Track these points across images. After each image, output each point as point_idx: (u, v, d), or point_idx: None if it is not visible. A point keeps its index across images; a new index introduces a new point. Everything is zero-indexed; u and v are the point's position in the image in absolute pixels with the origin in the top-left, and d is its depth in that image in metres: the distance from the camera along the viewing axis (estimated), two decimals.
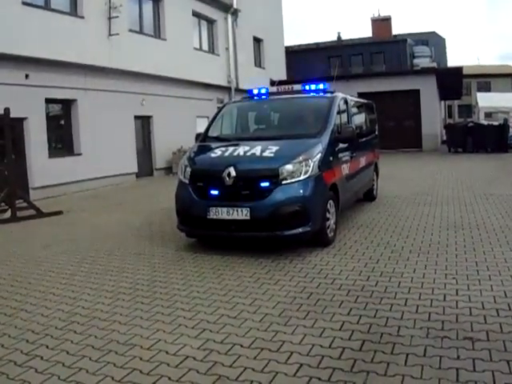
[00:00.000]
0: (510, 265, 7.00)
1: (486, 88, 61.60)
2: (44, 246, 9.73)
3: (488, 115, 36.00)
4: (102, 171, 19.61)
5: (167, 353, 4.70)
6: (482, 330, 4.83)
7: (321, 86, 10.47)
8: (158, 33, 23.70)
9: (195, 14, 26.66)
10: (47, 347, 4.94)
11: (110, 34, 19.65)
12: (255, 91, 10.88)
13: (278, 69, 35.95)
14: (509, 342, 4.56)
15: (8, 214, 12.74)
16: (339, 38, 59.84)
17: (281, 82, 14.85)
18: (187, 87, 25.24)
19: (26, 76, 16.26)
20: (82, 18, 18.48)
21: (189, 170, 8.70)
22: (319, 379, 4.09)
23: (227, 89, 29.56)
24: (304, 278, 6.88)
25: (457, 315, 5.25)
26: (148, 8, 23.30)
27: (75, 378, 4.30)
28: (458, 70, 34.87)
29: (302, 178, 8.01)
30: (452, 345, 4.56)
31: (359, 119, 12.15)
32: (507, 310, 5.34)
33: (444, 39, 66.66)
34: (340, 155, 9.48)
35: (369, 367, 4.24)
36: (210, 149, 9.14)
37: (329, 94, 10.34)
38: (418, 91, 32.96)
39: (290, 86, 10.93)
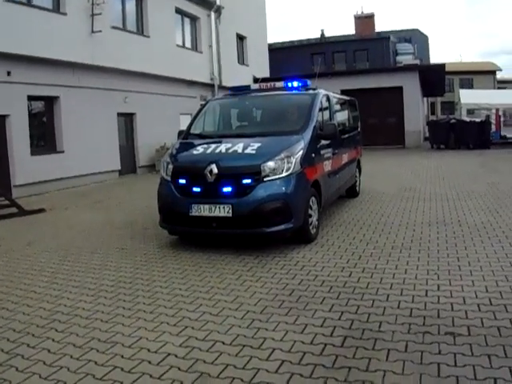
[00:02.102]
0: (491, 260, 7.06)
1: (468, 85, 62.14)
2: (26, 243, 9.67)
3: (470, 112, 36.21)
4: (84, 169, 19.52)
5: (149, 350, 4.70)
6: (463, 325, 4.87)
7: (303, 83, 10.48)
8: (141, 30, 23.59)
9: (178, 11, 26.56)
10: (28, 346, 4.92)
11: (92, 31, 19.50)
12: (237, 88, 10.90)
13: (261, 66, 35.99)
14: (490, 336, 4.60)
15: None
16: (322, 35, 59.83)
17: (264, 80, 14.83)
18: (170, 84, 25.15)
19: (8, 73, 16.12)
20: (65, 14, 18.33)
21: (171, 167, 8.68)
22: (301, 375, 4.10)
23: (211, 86, 29.49)
24: (286, 274, 6.89)
25: (438, 310, 5.28)
26: (131, 5, 23.18)
27: (56, 376, 4.28)
28: (440, 67, 35.09)
29: (283, 174, 8.02)
30: (433, 340, 4.59)
31: (342, 116, 12.18)
32: (488, 304, 5.38)
33: (427, 36, 66.87)
34: (322, 152, 9.49)
35: (350, 363, 4.26)
36: (192, 146, 9.12)
37: (311, 91, 10.34)
38: (400, 88, 33.09)
39: (272, 83, 10.90)
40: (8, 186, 15.95)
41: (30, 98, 17.48)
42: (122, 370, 4.34)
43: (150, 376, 4.21)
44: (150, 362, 4.46)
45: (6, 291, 6.75)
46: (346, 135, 12.01)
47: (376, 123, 32.55)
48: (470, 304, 5.43)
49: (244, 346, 4.70)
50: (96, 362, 4.50)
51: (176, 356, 4.56)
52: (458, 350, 4.38)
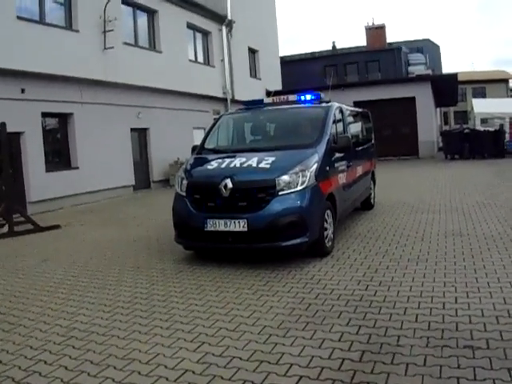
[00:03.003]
0: (508, 271, 6.99)
1: (481, 94, 61.93)
2: (42, 260, 9.70)
3: (484, 121, 36.07)
4: (99, 184, 19.63)
5: (166, 367, 4.68)
6: (482, 338, 4.81)
7: (315, 96, 10.48)
8: (153, 45, 23.78)
9: (190, 26, 26.73)
10: (45, 363, 4.92)
11: (105, 48, 19.70)
12: (250, 102, 10.92)
13: (273, 79, 36.07)
14: (509, 349, 4.55)
15: (5, 229, 12.72)
16: (334, 47, 59.92)
17: (276, 93, 14.87)
18: (183, 99, 25.30)
19: (22, 90, 16.28)
20: (77, 31, 18.53)
21: (185, 182, 8.69)
22: None
23: (223, 100, 29.61)
24: (302, 288, 6.87)
25: (456, 323, 5.23)
26: (143, 21, 23.39)
27: None
28: (452, 77, 35.05)
29: (298, 188, 8.00)
30: (452, 353, 4.54)
31: (355, 128, 12.16)
32: (507, 316, 5.33)
33: (438, 46, 66.88)
34: (336, 165, 9.48)
35: (369, 378, 4.22)
36: (207, 161, 9.13)
37: (324, 104, 10.34)
38: (413, 98, 33.07)
39: (285, 97, 10.91)
40: (23, 202, 16.06)
41: (44, 115, 17.66)
42: None
43: None
44: (167, 379, 4.44)
45: (23, 308, 6.77)
46: (360, 147, 11.99)
47: (389, 134, 32.51)
48: (489, 316, 5.37)
49: (261, 361, 4.68)
50: (113, 379, 4.49)
51: (193, 372, 4.54)
52: (478, 363, 4.32)
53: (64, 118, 18.74)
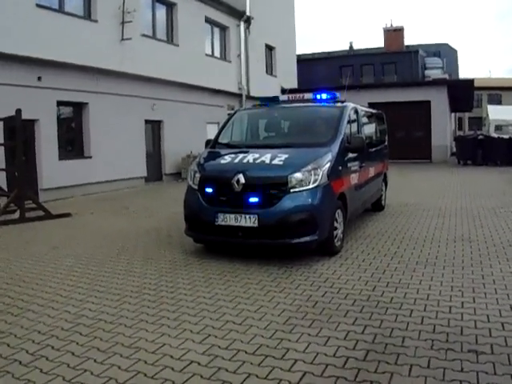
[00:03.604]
0: None
1: (496, 101, 61.62)
2: (52, 247, 9.77)
3: (498, 128, 35.99)
4: (111, 174, 19.73)
5: (172, 357, 4.72)
6: (486, 343, 4.83)
7: (331, 96, 10.49)
8: (170, 38, 23.81)
9: (208, 21, 26.75)
10: (53, 348, 4.97)
11: (122, 39, 19.74)
12: (266, 99, 10.93)
13: (289, 77, 36.04)
14: None
15: (17, 215, 12.79)
16: (351, 47, 59.87)
17: (292, 91, 14.91)
18: (198, 93, 25.34)
19: (39, 78, 16.35)
20: (96, 21, 18.60)
21: (198, 175, 8.72)
22: None
23: (238, 95, 29.62)
24: (310, 286, 6.90)
25: (462, 327, 5.25)
26: (161, 13, 23.41)
27: (80, 379, 4.33)
28: (469, 83, 34.91)
29: (310, 186, 8.02)
30: (456, 357, 4.56)
31: (369, 129, 12.16)
32: None
33: (456, 51, 66.51)
34: (349, 165, 9.49)
35: (372, 377, 4.25)
36: (220, 155, 9.17)
37: (339, 104, 10.36)
38: (428, 102, 32.96)
39: (301, 95, 10.94)
40: (35, 189, 16.13)
41: (59, 104, 17.72)
42: (145, 375, 4.37)
43: (173, 383, 4.23)
44: (172, 369, 4.48)
45: (32, 294, 6.82)
46: (374, 149, 11.99)
47: (403, 137, 32.44)
48: (494, 322, 5.38)
49: (267, 356, 4.71)
50: (119, 367, 4.54)
51: (199, 364, 4.58)
52: (481, 368, 4.34)
53: (79, 107, 18.81)
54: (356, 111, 10.64)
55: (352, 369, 4.41)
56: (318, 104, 10.60)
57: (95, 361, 4.68)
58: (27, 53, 15.58)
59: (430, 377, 4.21)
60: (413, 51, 52.08)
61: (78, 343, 5.09)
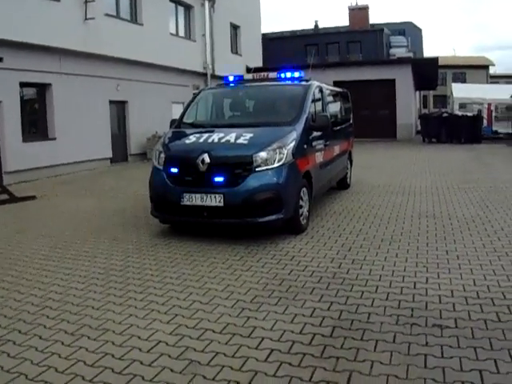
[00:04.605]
0: (479, 254, 7.12)
1: (461, 79, 62.27)
2: (17, 230, 9.67)
3: (462, 106, 36.32)
4: (76, 156, 19.50)
5: (139, 338, 4.73)
6: (450, 318, 4.92)
7: (296, 74, 10.48)
8: (134, 17, 23.48)
9: (172, 0, 26.46)
10: (20, 332, 4.94)
11: (85, 18, 19.44)
12: (231, 78, 10.88)
13: (254, 56, 35.90)
14: (476, 329, 4.65)
15: None
16: (316, 26, 59.73)
17: (257, 69, 14.87)
18: (163, 73, 25.10)
19: (1, 59, 16.00)
20: (58, 1, 18.25)
21: (163, 156, 8.70)
22: (290, 364, 4.14)
23: (203, 75, 29.41)
24: (276, 264, 6.94)
25: (426, 303, 5.34)
26: None
27: (48, 362, 4.31)
28: (433, 61, 35.08)
29: (275, 165, 8.05)
30: (421, 332, 4.64)
31: (334, 108, 12.21)
32: (476, 298, 5.44)
33: (420, 29, 66.85)
34: (314, 143, 9.53)
35: (339, 353, 4.30)
36: (185, 135, 9.14)
37: (304, 82, 10.36)
38: (393, 81, 33.09)
39: (265, 74, 10.93)
40: None
41: (22, 85, 17.38)
42: (113, 356, 4.37)
43: (141, 363, 4.24)
44: (140, 349, 4.49)
45: None
46: (338, 127, 12.04)
47: (368, 115, 32.49)
48: (458, 297, 5.48)
49: (234, 334, 4.74)
50: (87, 349, 4.53)
51: (166, 344, 4.59)
52: (445, 342, 4.43)
53: (42, 89, 18.50)
54: (321, 90, 10.65)
55: (319, 345, 4.46)
56: (282, 83, 10.59)
57: (63, 343, 4.66)
58: None
59: (396, 351, 4.28)
60: (378, 30, 52.28)
61: (45, 326, 5.06)
